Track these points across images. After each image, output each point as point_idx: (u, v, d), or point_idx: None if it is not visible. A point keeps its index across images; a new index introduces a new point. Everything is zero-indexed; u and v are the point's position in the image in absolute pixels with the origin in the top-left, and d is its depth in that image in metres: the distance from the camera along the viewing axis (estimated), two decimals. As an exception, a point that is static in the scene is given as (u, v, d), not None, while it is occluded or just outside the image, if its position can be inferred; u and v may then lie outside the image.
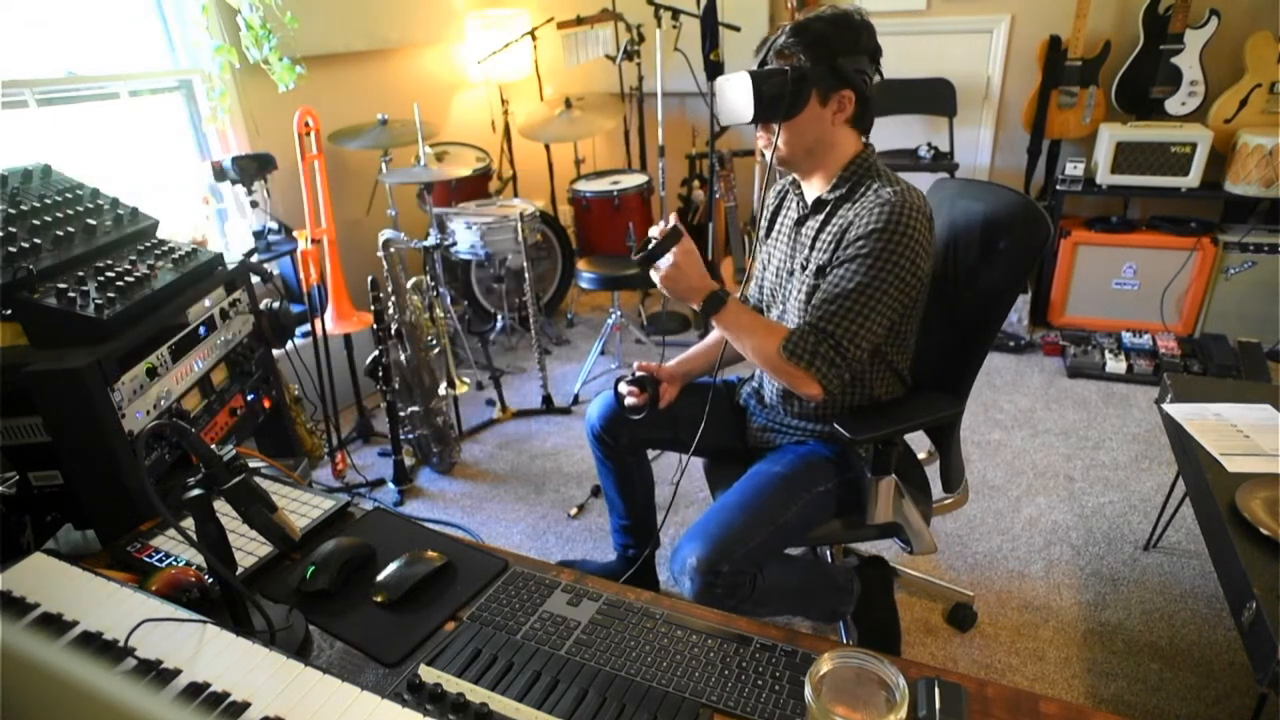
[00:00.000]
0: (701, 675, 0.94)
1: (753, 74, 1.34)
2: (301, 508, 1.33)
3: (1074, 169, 3.33)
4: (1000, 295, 1.48)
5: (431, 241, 3.03)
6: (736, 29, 3.45)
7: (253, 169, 2.53)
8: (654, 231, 1.42)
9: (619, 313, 3.37)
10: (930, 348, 1.56)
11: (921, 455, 1.78)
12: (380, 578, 1.12)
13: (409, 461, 2.73)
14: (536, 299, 3.04)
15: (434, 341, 2.67)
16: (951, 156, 3.68)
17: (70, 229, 1.43)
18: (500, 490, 2.62)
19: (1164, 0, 3.16)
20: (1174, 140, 3.15)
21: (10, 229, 1.34)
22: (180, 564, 1.17)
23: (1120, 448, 2.67)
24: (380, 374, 2.50)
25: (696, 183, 4.06)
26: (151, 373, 1.37)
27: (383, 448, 2.85)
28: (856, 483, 1.50)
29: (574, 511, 2.45)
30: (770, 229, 1.65)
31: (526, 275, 2.98)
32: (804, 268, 1.47)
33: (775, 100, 1.34)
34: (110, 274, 1.40)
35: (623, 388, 1.63)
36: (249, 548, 1.21)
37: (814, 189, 1.48)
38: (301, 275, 2.78)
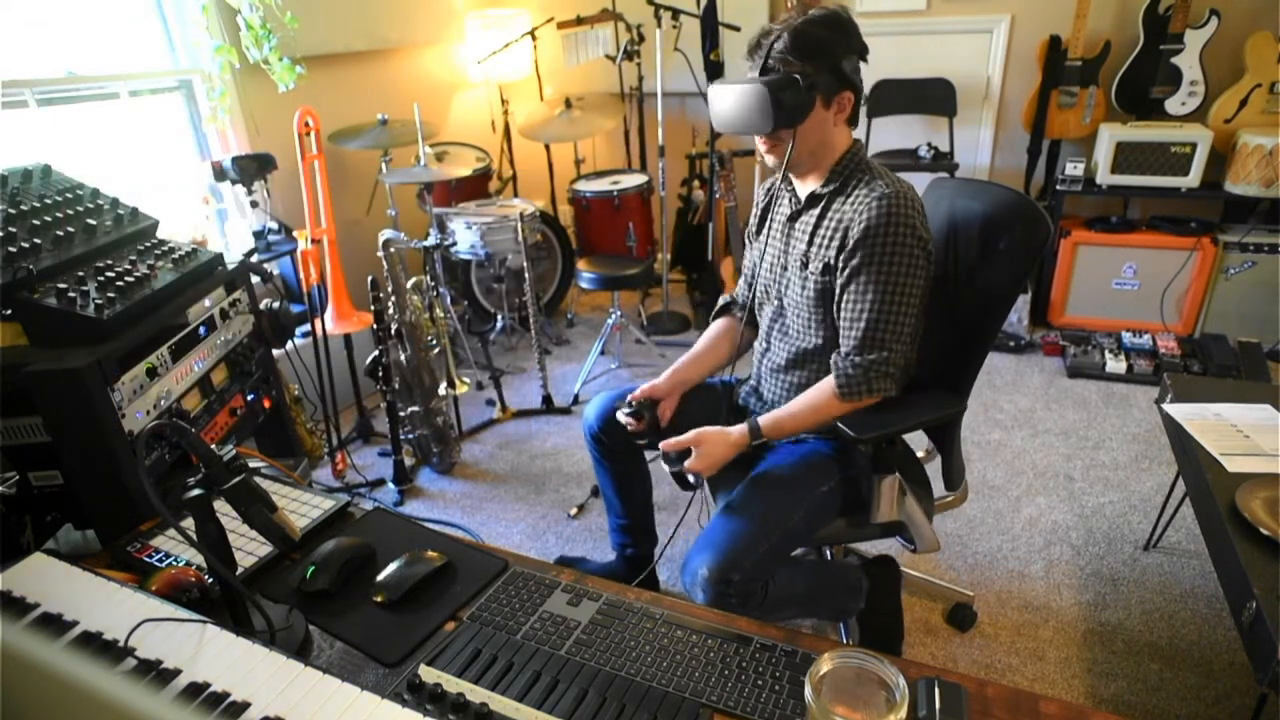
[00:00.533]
0: (701, 675, 0.94)
1: (768, 83, 1.34)
2: (301, 508, 1.33)
3: (1074, 169, 3.33)
4: (1001, 294, 1.48)
5: (431, 241, 3.03)
6: (736, 29, 3.45)
7: (253, 169, 2.53)
8: (621, 417, 1.59)
9: (619, 313, 3.37)
10: (931, 347, 1.56)
11: (920, 453, 1.78)
12: (380, 578, 1.12)
13: (409, 461, 2.73)
14: (536, 299, 3.04)
15: (434, 341, 2.67)
16: (951, 156, 3.68)
17: (70, 229, 1.43)
18: (500, 490, 2.62)
19: (1164, 0, 3.16)
20: (1174, 140, 3.15)
21: (10, 229, 1.34)
22: (180, 564, 1.17)
23: (1120, 448, 2.67)
24: (380, 374, 2.50)
25: (696, 183, 4.05)
26: (151, 373, 1.37)
27: (383, 448, 2.85)
28: (858, 480, 1.51)
29: (574, 511, 2.45)
30: (761, 226, 1.66)
31: (526, 275, 2.98)
32: (804, 264, 1.49)
33: (795, 110, 1.36)
34: (110, 274, 1.40)
35: (621, 417, 1.63)
36: (249, 548, 1.21)
37: (808, 185, 1.51)
38: (301, 275, 2.78)
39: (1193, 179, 3.17)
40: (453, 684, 0.93)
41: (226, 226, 2.75)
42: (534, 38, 3.82)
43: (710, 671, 0.95)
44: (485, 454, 2.85)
